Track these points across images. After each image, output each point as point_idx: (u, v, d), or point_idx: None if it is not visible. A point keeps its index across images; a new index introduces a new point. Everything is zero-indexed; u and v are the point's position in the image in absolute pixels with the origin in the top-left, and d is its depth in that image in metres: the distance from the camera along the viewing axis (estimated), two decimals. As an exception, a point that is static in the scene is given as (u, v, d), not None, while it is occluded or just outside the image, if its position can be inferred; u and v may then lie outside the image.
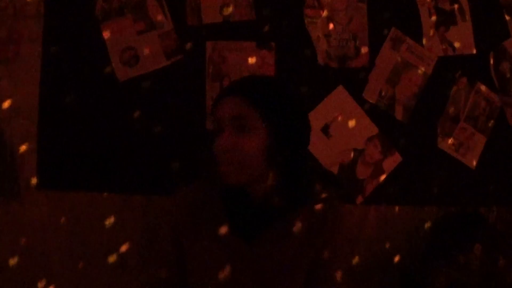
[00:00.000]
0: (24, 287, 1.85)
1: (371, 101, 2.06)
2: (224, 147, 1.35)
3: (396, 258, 2.06)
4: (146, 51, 1.95)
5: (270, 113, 1.35)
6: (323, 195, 1.49)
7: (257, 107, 1.35)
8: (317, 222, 1.45)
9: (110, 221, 1.86)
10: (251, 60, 1.97)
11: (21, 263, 1.85)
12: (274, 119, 1.36)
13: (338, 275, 1.48)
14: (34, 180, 1.88)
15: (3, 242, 1.86)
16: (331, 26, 2.04)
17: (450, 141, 2.14)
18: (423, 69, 2.11)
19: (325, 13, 2.04)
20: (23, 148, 1.88)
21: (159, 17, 1.96)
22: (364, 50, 2.06)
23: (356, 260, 2.03)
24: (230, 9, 1.99)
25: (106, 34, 1.94)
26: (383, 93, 2.08)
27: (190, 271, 1.47)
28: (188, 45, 1.96)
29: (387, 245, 2.06)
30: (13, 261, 1.85)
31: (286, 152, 1.38)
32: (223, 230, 1.43)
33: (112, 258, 1.85)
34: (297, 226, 1.44)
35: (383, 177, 2.07)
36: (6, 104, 1.90)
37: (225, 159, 1.36)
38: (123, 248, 1.86)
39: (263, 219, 1.42)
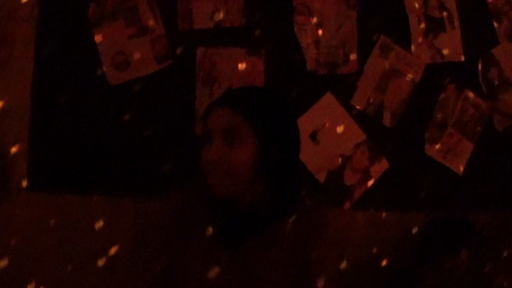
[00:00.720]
0: (14, 289, 1.88)
1: (359, 107, 2.09)
2: (213, 159, 1.36)
3: (384, 263, 2.09)
4: (137, 55, 1.97)
5: (261, 126, 1.37)
6: (308, 203, 1.51)
7: (248, 120, 1.36)
8: (302, 231, 1.47)
9: (99, 224, 1.88)
10: (241, 66, 1.99)
11: (11, 265, 1.86)
12: (264, 132, 1.37)
13: (320, 283, 1.50)
14: (25, 182, 1.90)
15: (-6, 244, 1.89)
16: (320, 32, 2.06)
17: (437, 147, 2.17)
18: (411, 76, 2.14)
19: (314, 20, 2.06)
20: (14, 150, 1.90)
21: (151, 22, 1.98)
22: (352, 57, 2.08)
23: (344, 264, 2.05)
24: (221, 15, 2.01)
25: (98, 38, 1.96)
26: (371, 100, 2.10)
27: (175, 278, 1.49)
28: (179, 50, 1.98)
29: (375, 250, 2.09)
30: (3, 263, 1.86)
31: (275, 163, 1.40)
32: (209, 237, 1.45)
33: (101, 261, 1.87)
34: (284, 235, 1.45)
35: (370, 183, 2.09)
36: (-2, 105, 1.93)
37: (213, 171, 1.37)
38: (112, 250, 1.88)
39: (249, 228, 1.44)
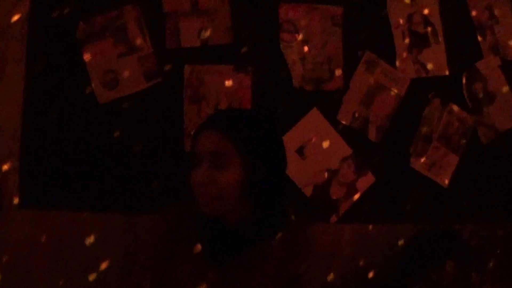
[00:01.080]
0: (5, 304, 1.90)
1: (345, 122, 2.12)
2: (201, 181, 1.41)
3: (371, 274, 2.11)
4: (126, 73, 2.00)
5: (247, 148, 1.41)
6: (294, 220, 1.54)
7: (234, 142, 1.40)
8: (289, 249, 1.50)
9: (90, 239, 1.91)
10: (228, 83, 2.03)
11: (3, 281, 1.89)
12: (251, 154, 1.41)
13: None
14: (16, 199, 1.93)
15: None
16: (306, 49, 2.10)
17: (422, 160, 2.20)
18: (396, 90, 2.18)
19: (300, 37, 2.10)
20: (5, 167, 1.93)
21: (139, 41, 2.01)
22: (338, 72, 2.12)
23: (331, 277, 2.08)
24: (208, 33, 2.04)
25: (87, 57, 1.99)
26: (356, 115, 2.13)
27: None
28: (167, 68, 2.02)
29: (362, 262, 2.12)
30: (-6, 280, 1.89)
31: (261, 184, 1.44)
32: (197, 254, 1.48)
33: (92, 276, 1.89)
34: (270, 253, 1.49)
35: (356, 196, 2.12)
36: (-13, 122, 1.95)
37: (201, 192, 1.42)
38: (103, 265, 1.90)
39: (237, 246, 1.47)
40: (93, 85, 1.99)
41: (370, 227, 2.14)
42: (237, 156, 1.40)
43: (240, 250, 1.47)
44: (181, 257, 1.49)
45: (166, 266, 1.52)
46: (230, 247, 1.47)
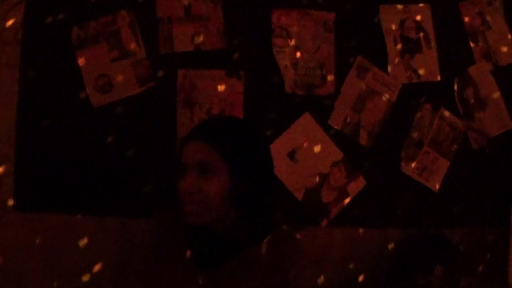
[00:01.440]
0: (-1, 306, 1.92)
1: (336, 127, 2.14)
2: (188, 190, 1.43)
3: (360, 278, 2.14)
4: (120, 78, 2.02)
5: (233, 157, 1.44)
6: (283, 227, 1.56)
7: (220, 152, 1.43)
8: (278, 254, 1.52)
9: (84, 242, 1.93)
10: (221, 87, 2.05)
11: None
12: (237, 162, 1.44)
13: None
14: (10, 202, 1.95)
15: (-20, 261, 1.93)
16: (298, 54, 2.12)
17: (413, 165, 2.22)
18: (387, 96, 2.20)
19: (293, 42, 2.12)
20: (0, 170, 1.95)
21: (132, 46, 2.03)
22: (330, 78, 2.14)
23: (321, 280, 2.11)
24: (201, 38, 2.06)
25: (81, 61, 2.01)
26: (348, 120, 2.15)
27: None
28: (160, 73, 2.03)
29: (352, 266, 2.14)
30: (-14, 280, 1.91)
31: (248, 192, 1.46)
32: (187, 260, 1.51)
33: (85, 277, 1.91)
34: (258, 258, 1.51)
35: (347, 200, 2.14)
36: (-16, 128, 1.97)
37: (188, 200, 1.45)
38: (96, 268, 1.92)
39: (224, 252, 1.50)
40: (87, 89, 2.00)
41: (361, 230, 2.16)
42: (223, 166, 1.43)
43: (228, 255, 1.49)
44: (172, 262, 1.52)
45: (157, 270, 1.54)
46: (219, 252, 1.50)
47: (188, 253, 1.50)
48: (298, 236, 1.61)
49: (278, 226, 1.55)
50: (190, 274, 1.50)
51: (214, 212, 1.44)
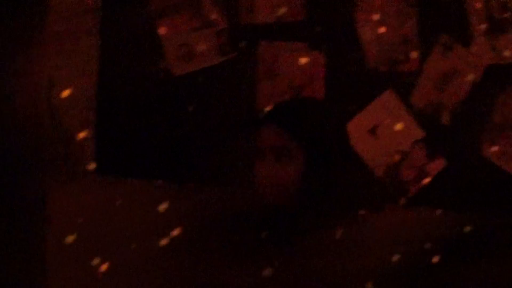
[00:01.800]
0: (79, 263, 1.95)
1: (418, 105, 2.10)
2: (264, 175, 1.47)
3: (435, 259, 2.09)
4: (201, 47, 2.01)
5: (309, 142, 1.46)
6: (360, 212, 1.56)
7: (296, 138, 1.45)
8: (352, 240, 1.52)
9: (163, 207, 1.94)
10: (302, 60, 2.02)
11: (78, 241, 1.95)
12: (312, 147, 1.46)
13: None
14: (92, 166, 1.97)
15: (61, 221, 1.97)
16: (382, 29, 2.08)
17: (494, 149, 2.16)
18: (471, 76, 2.14)
19: (376, 17, 2.08)
20: (82, 135, 1.98)
21: (214, 15, 2.03)
22: (413, 55, 2.09)
23: (396, 258, 2.07)
24: (283, 9, 2.04)
25: (162, 30, 2.01)
26: (430, 98, 2.11)
27: (230, 272, 1.54)
28: (241, 44, 2.02)
29: (427, 246, 2.09)
30: (70, 239, 1.94)
31: (323, 175, 1.47)
32: (260, 240, 1.52)
33: (164, 241, 1.92)
34: (332, 243, 1.51)
35: (427, 180, 2.10)
36: (66, 93, 2.00)
37: (263, 184, 1.48)
38: (175, 232, 1.92)
39: (298, 234, 1.52)
40: (167, 58, 2.00)
41: (438, 212, 2.11)
42: (299, 150, 1.44)
43: (303, 238, 1.51)
44: (247, 240, 1.53)
45: (234, 246, 1.55)
46: (293, 234, 1.53)
47: (263, 233, 1.51)
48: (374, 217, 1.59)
49: (354, 210, 1.55)
50: (264, 254, 1.50)
51: (290, 195, 1.47)
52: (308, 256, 1.49)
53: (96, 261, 1.93)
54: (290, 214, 1.50)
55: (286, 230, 1.51)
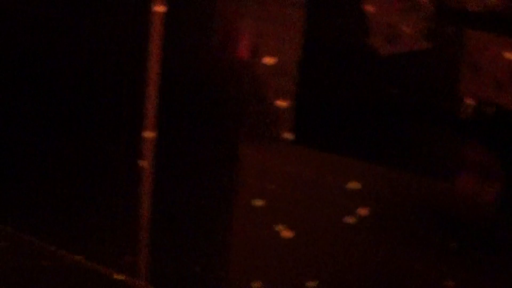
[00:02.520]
0: (263, 227, 2.09)
1: None
2: (465, 187, 1.56)
3: None
4: (408, 30, 2.02)
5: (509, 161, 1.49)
6: None
7: (500, 156, 1.52)
8: None
9: (353, 185, 2.02)
10: (508, 55, 2.00)
11: (266, 207, 2.08)
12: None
13: None
14: (290, 135, 2.07)
15: (252, 184, 2.09)
16: None
17: None
18: None
19: None
20: (283, 104, 2.06)
21: (424, -1, 2.02)
22: None
23: None
24: (495, -1, 2.00)
25: (370, 8, 2.03)
26: None
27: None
28: (448, 31, 2.02)
29: None
30: (259, 203, 2.07)
31: None
32: (451, 246, 1.61)
33: (350, 220, 2.01)
34: None
35: None
36: (271, 61, 2.07)
37: (466, 191, 1.55)
38: (363, 212, 2.01)
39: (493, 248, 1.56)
40: (373, 36, 2.03)
41: None
42: (499, 168, 1.51)
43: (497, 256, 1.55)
44: (435, 244, 1.59)
45: (420, 246, 1.61)
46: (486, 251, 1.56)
47: (452, 244, 1.56)
48: None
49: None
50: (448, 266, 1.59)
51: (487, 212, 1.53)
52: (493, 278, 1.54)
53: (281, 227, 2.06)
54: (485, 231, 1.53)
55: (478, 247, 1.54)
